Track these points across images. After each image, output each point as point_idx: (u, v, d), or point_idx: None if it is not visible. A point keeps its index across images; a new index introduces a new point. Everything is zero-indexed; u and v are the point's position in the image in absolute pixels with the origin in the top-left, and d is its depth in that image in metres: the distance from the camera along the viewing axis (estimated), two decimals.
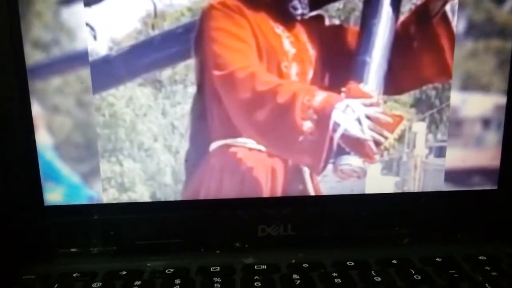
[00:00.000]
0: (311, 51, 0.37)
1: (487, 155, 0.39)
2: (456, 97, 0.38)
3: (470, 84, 0.38)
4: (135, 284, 0.34)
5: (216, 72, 0.36)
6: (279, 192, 0.39)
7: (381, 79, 0.37)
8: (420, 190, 0.39)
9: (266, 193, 0.38)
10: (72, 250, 0.38)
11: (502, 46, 0.38)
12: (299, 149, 0.38)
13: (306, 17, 0.36)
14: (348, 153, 0.38)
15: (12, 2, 0.34)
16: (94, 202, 0.37)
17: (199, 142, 0.37)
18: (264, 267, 0.36)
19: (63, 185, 0.37)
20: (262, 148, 0.38)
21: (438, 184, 0.39)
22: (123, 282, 0.34)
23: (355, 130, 0.38)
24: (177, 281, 0.34)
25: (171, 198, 0.38)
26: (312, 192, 0.39)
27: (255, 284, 0.33)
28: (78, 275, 0.35)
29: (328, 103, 0.37)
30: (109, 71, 0.36)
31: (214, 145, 0.37)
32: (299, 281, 0.34)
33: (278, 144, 0.38)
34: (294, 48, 0.36)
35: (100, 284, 0.34)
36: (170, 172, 0.37)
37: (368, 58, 0.37)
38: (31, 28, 0.34)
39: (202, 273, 0.35)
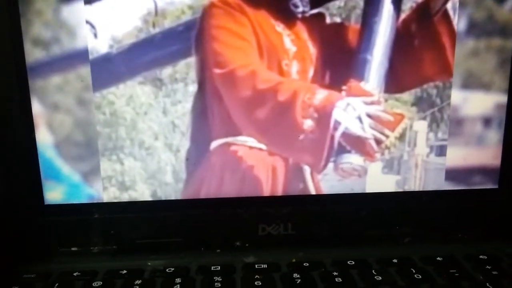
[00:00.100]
0: (312, 49, 0.37)
1: (488, 154, 0.39)
2: (457, 96, 0.38)
3: (471, 83, 0.38)
4: (135, 283, 0.34)
5: (217, 70, 0.36)
6: (279, 191, 0.38)
7: (382, 77, 0.37)
8: (420, 189, 0.39)
9: (266, 191, 0.38)
10: (73, 249, 0.38)
11: (503, 45, 0.38)
12: (299, 147, 0.38)
13: (307, 15, 0.36)
14: (349, 152, 0.38)
15: (12, 0, 0.34)
16: (95, 201, 0.37)
17: (199, 140, 0.37)
18: (265, 266, 0.36)
19: (64, 184, 0.37)
20: (263, 146, 0.38)
21: (438, 183, 0.39)
22: (123, 281, 0.34)
23: (356, 129, 0.38)
24: (178, 280, 0.34)
25: (172, 197, 0.38)
26: (312, 191, 0.39)
27: (256, 283, 0.33)
28: (79, 274, 0.35)
29: (329, 101, 0.37)
30: (110, 69, 0.35)
31: (214, 144, 0.37)
32: (299, 280, 0.34)
33: (279, 142, 0.38)
34: (295, 46, 0.36)
35: (101, 283, 0.34)
36: (171, 170, 0.37)
37: (369, 56, 0.37)
38: (31, 26, 0.34)
39: (203, 272, 0.35)
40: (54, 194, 0.37)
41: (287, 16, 0.36)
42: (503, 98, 0.38)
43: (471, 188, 0.40)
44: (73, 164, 0.37)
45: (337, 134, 0.38)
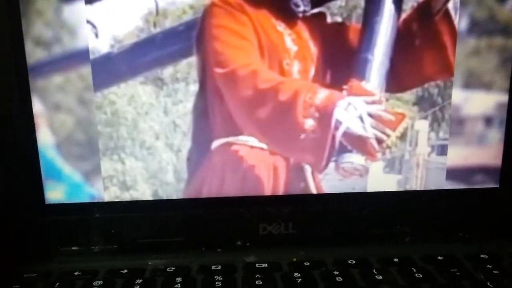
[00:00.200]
0: (313, 49, 0.37)
1: (489, 153, 0.39)
2: (458, 95, 0.38)
3: (472, 82, 0.38)
4: (136, 282, 0.34)
5: (218, 70, 0.36)
6: (280, 190, 0.38)
7: (383, 77, 0.37)
8: (422, 188, 0.39)
9: (267, 191, 0.38)
10: (73, 248, 0.38)
11: (505, 44, 0.37)
12: (301, 147, 0.38)
13: (308, 14, 0.36)
14: (350, 151, 0.38)
15: (13, 0, 0.34)
16: (96, 201, 0.37)
17: (201, 140, 0.37)
18: (266, 265, 0.36)
19: (65, 183, 0.37)
20: (264, 146, 0.38)
21: (440, 182, 0.39)
22: (124, 280, 0.34)
23: (357, 128, 0.38)
24: (178, 279, 0.34)
25: (173, 196, 0.38)
26: (313, 190, 0.39)
27: (256, 282, 0.33)
28: (79, 273, 0.35)
29: (330, 101, 0.37)
30: (111, 69, 0.35)
31: (216, 143, 0.37)
32: (300, 279, 0.34)
33: (280, 142, 0.38)
34: (296, 45, 0.36)
35: (101, 282, 0.34)
36: (172, 170, 0.37)
37: (370, 55, 0.37)
38: (32, 26, 0.34)
39: (203, 272, 0.35)
40: (55, 194, 0.37)
41: (288, 16, 0.36)
42: (504, 98, 0.38)
43: (472, 188, 0.40)
44: (74, 163, 0.37)
45: (338, 134, 0.38)
